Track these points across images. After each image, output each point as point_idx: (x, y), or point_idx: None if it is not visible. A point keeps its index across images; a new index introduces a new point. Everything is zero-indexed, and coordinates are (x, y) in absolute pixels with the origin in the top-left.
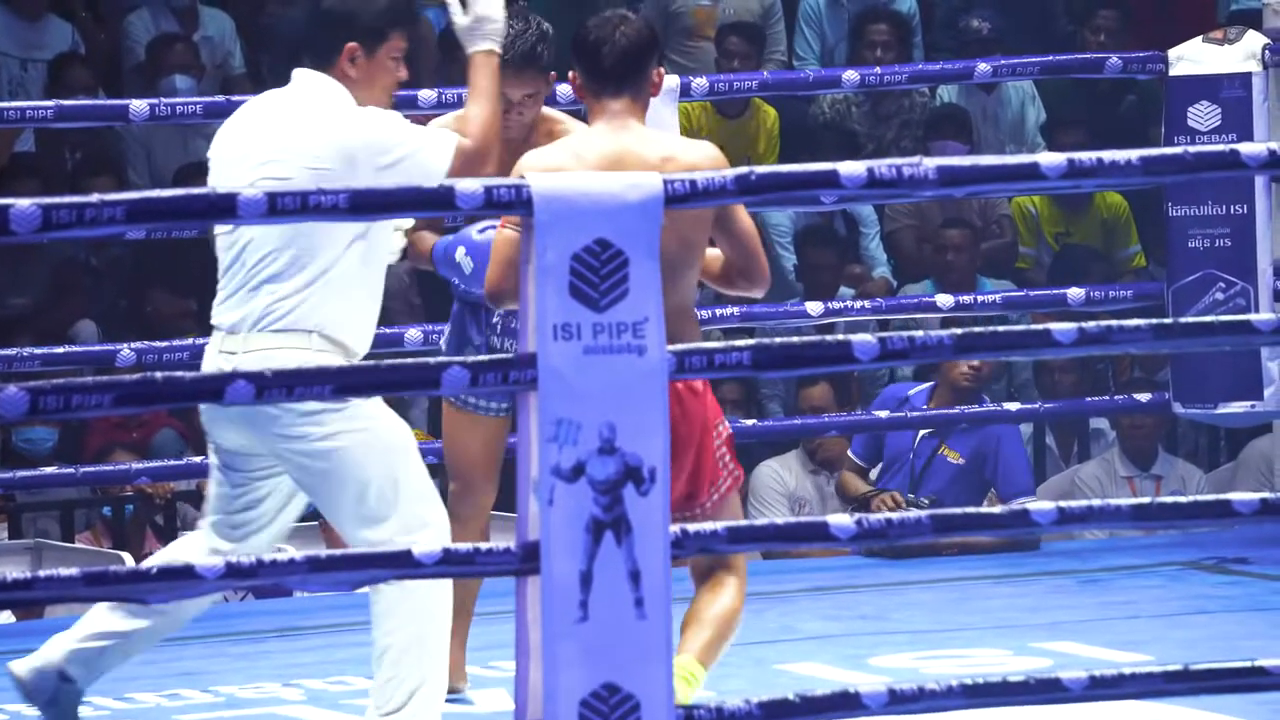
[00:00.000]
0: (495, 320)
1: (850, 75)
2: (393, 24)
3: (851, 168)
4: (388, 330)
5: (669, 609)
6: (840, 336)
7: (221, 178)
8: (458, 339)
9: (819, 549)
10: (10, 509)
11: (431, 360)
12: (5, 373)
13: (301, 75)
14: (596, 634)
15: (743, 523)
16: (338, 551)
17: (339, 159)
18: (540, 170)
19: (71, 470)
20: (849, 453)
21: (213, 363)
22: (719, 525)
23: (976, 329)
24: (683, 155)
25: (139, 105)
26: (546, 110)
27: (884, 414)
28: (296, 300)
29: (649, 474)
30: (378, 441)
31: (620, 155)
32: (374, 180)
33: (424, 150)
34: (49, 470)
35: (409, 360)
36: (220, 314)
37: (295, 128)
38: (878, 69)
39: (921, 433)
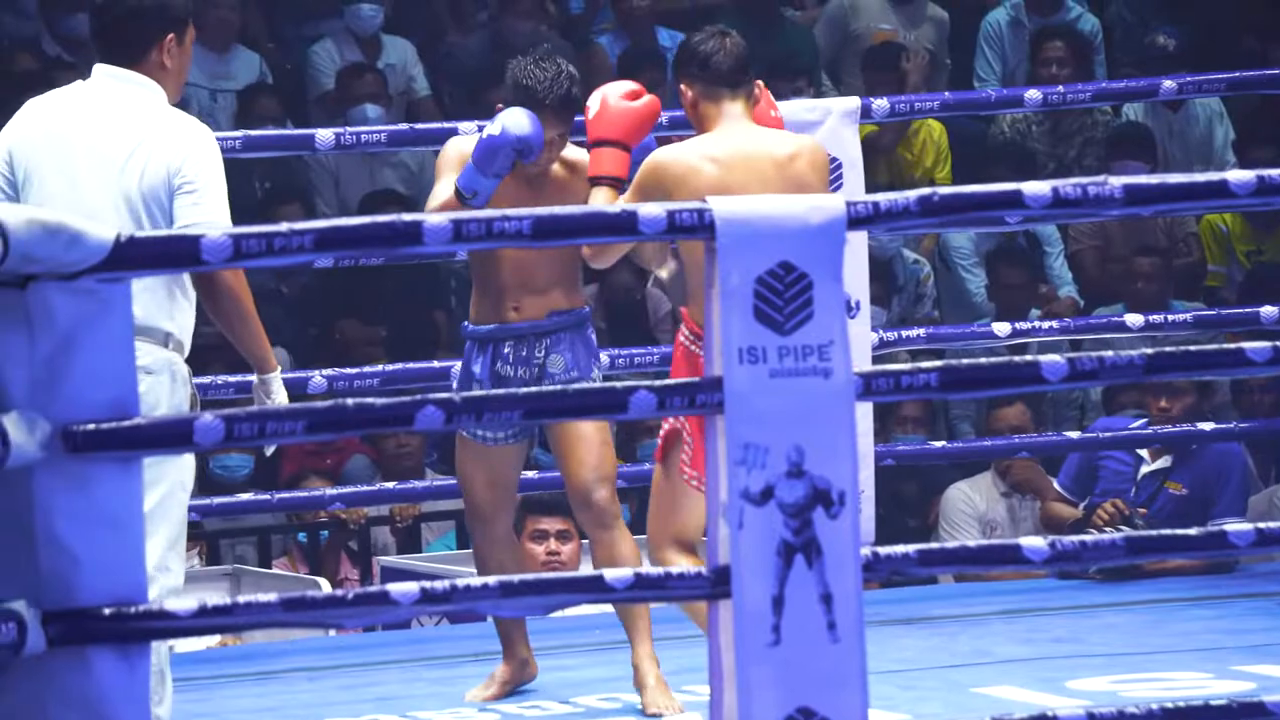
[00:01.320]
0: (507, 350)
1: (1033, 94)
2: (191, 10)
3: (1036, 188)
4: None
5: (862, 631)
6: (1028, 357)
7: (74, 186)
8: (464, 375)
9: (1012, 572)
10: (208, 536)
11: (618, 385)
12: (200, 400)
13: (117, 74)
14: (790, 657)
15: (934, 545)
16: (530, 576)
17: (177, 175)
18: (671, 163)
19: (267, 496)
20: (1056, 485)
21: None
22: (911, 549)
23: (1168, 349)
24: (804, 150)
25: (325, 134)
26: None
27: (1074, 435)
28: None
29: (838, 497)
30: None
31: (753, 151)
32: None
33: (222, 196)
34: (245, 497)
35: (596, 385)
36: None
37: (133, 145)
38: (1060, 87)
39: (1144, 470)
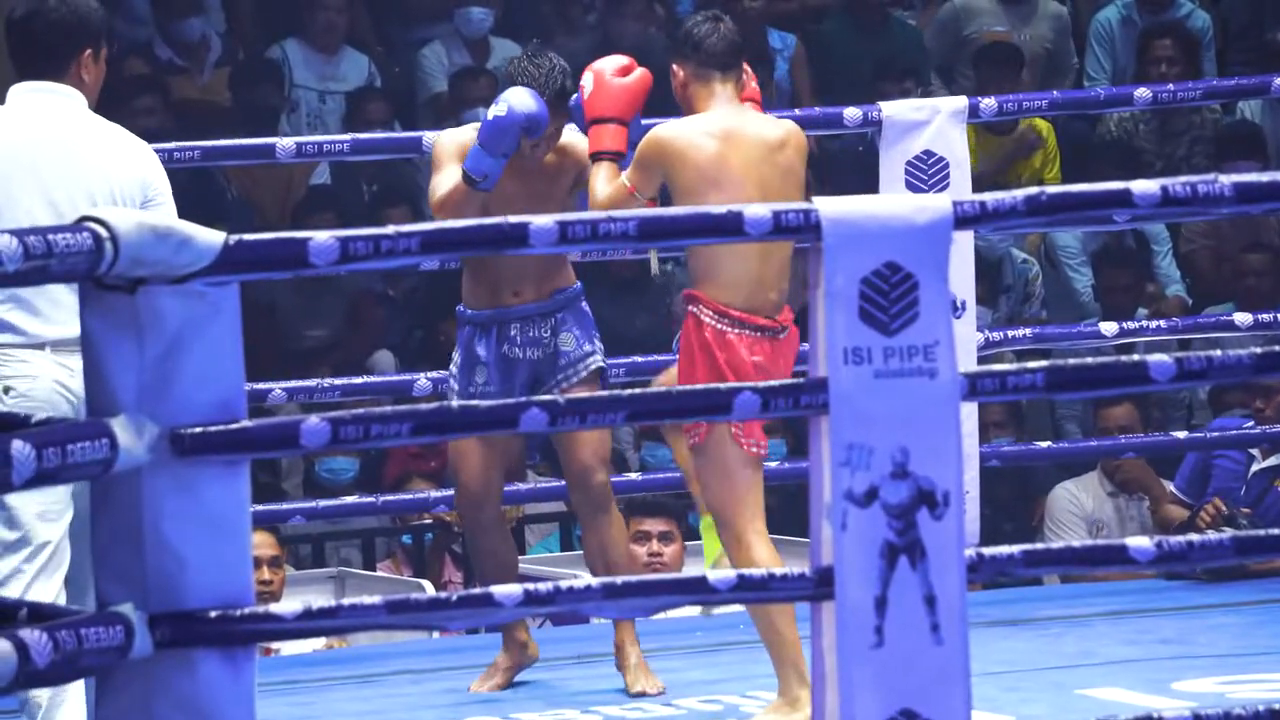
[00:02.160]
0: (513, 333)
1: (1142, 93)
2: (107, 26)
3: (1145, 186)
4: (672, 356)
5: (965, 633)
6: (1135, 357)
7: (49, 197)
8: (466, 357)
9: (1118, 573)
10: (313, 538)
11: (722, 386)
12: (306, 404)
13: (46, 87)
14: (893, 659)
15: (1039, 546)
16: (634, 578)
17: (149, 187)
18: (672, 139)
19: (372, 499)
20: (1171, 487)
21: (56, 379)
22: (1016, 549)
23: (1278, 348)
24: (792, 137)
25: (432, 137)
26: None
27: (1181, 435)
28: None
29: (942, 498)
30: None
31: (747, 132)
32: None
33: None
34: (350, 500)
35: (702, 387)
36: (50, 328)
37: (103, 150)
38: (1170, 85)
39: (1255, 468)
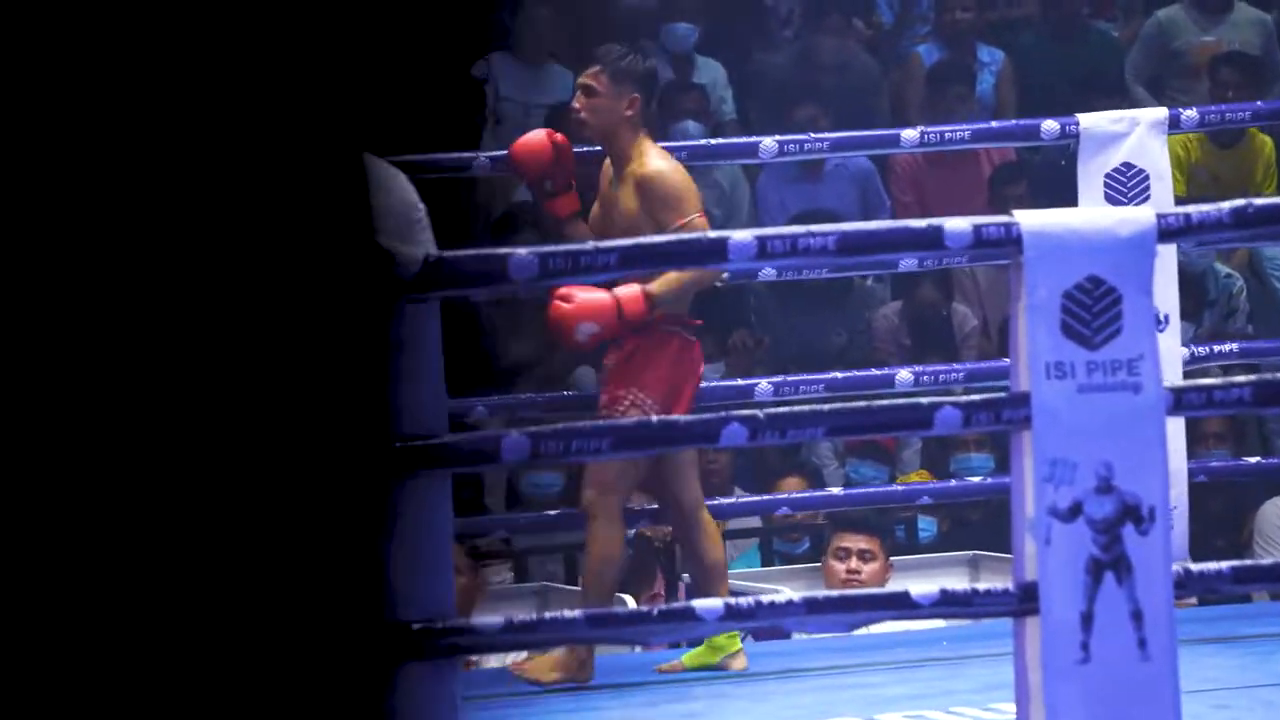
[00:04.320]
0: None
1: None
2: None
3: None
4: (878, 372)
5: (1174, 650)
6: None
7: None
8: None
9: None
10: (517, 553)
11: (924, 400)
12: (510, 419)
13: None
14: (1099, 675)
15: (1248, 562)
16: (834, 593)
17: None
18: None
19: (574, 513)
20: None
21: None
22: (1224, 565)
23: None
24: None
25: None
26: None
27: None
28: None
29: (1148, 513)
30: None
31: None
32: None
33: None
34: (553, 513)
35: (901, 401)
36: None
37: None
38: None
39: None
